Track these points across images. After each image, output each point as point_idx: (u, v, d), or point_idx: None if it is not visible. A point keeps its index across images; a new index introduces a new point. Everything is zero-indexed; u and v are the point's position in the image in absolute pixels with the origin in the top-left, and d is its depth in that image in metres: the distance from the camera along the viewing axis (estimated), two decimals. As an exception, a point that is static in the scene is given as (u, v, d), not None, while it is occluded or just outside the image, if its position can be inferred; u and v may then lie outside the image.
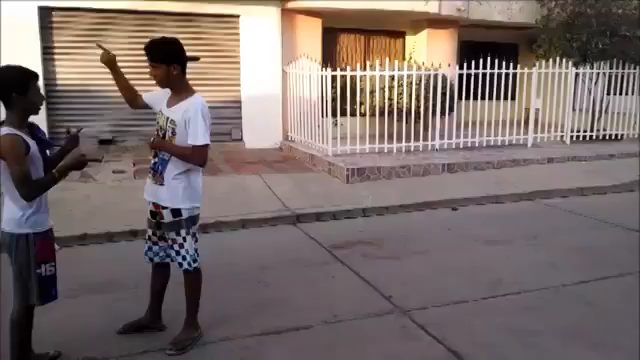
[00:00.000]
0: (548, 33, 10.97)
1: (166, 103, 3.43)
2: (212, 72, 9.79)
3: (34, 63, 8.72)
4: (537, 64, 10.10)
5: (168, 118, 3.35)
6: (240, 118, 10.13)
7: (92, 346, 3.46)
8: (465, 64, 9.32)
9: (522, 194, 7.43)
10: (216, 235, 5.93)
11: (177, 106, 3.34)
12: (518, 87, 10.04)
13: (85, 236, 5.61)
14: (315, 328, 3.76)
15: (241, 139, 10.14)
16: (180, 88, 3.38)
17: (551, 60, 10.15)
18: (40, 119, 8.82)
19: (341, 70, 8.67)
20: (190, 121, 3.27)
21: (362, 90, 8.98)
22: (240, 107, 10.09)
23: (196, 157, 3.33)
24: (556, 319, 3.85)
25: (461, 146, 9.44)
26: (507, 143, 9.81)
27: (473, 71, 9.34)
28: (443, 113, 9.25)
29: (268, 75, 10.01)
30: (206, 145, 3.32)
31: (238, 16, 9.82)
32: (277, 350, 3.47)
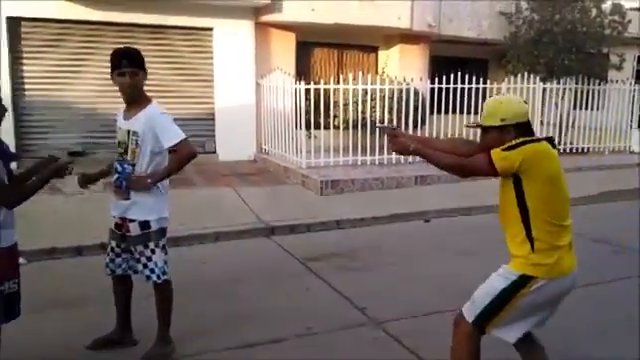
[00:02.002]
0: (516, 49, 11.27)
1: (122, 117, 3.40)
2: (185, 84, 9.74)
3: (2, 75, 8.55)
4: (506, 79, 10.35)
5: (129, 131, 3.31)
6: (213, 130, 10.08)
7: (60, 363, 3.38)
8: (437, 78, 9.49)
9: (492, 207, 7.54)
10: (189, 248, 5.88)
11: (135, 117, 3.32)
12: (488, 101, 10.25)
13: (54, 250, 5.49)
14: (289, 341, 3.74)
15: (215, 151, 10.08)
16: (141, 97, 3.36)
17: (519, 75, 10.42)
18: (8, 130, 8.69)
19: (315, 83, 8.73)
20: (158, 126, 3.25)
21: (336, 103, 9.06)
22: (214, 119, 10.05)
23: (186, 154, 3.30)
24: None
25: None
26: (478, 156, 9.95)
27: (444, 85, 9.51)
28: (415, 126, 9.38)
29: (242, 88, 10.01)
30: (186, 138, 3.29)
31: (211, 29, 9.81)
32: (250, 364, 3.45)
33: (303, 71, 10.57)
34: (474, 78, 9.75)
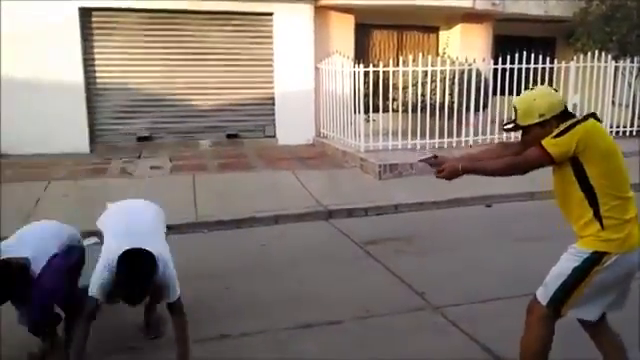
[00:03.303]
0: (586, 26, 10.69)
1: None
2: (245, 69, 9.91)
3: (75, 63, 9.01)
4: (575, 58, 9.87)
5: None
6: (273, 115, 10.22)
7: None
8: (500, 59, 9.19)
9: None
10: (249, 230, 6.03)
11: None
12: (555, 82, 9.79)
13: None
14: (347, 323, 3.80)
15: (274, 135, 10.23)
16: None
17: (589, 54, 9.91)
18: (81, 117, 9.17)
19: (374, 66, 8.66)
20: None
21: (395, 86, 8.95)
22: (273, 104, 10.19)
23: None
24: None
25: (496, 142, 9.31)
26: (543, 139, 9.60)
27: (508, 66, 9.19)
28: (477, 109, 9.14)
29: (301, 72, 10.07)
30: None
31: (271, 14, 9.90)
32: (309, 344, 3.53)
33: (362, 54, 10.49)
34: (540, 58, 9.35)
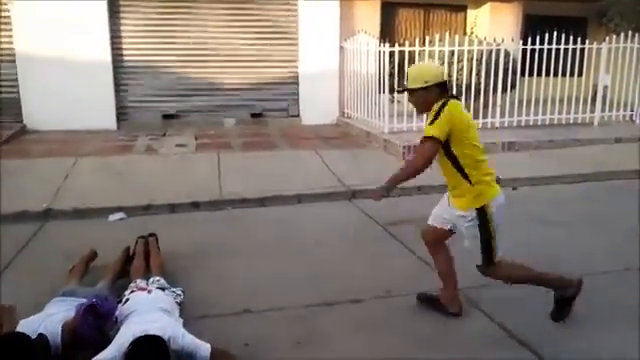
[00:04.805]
0: (620, 6, 10.37)
1: None
2: (270, 48, 9.90)
3: (103, 41, 9.10)
4: (607, 39, 9.59)
5: None
6: (297, 94, 10.21)
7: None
8: (529, 39, 8.98)
9: (586, 175, 7.15)
10: (272, 209, 6.08)
11: None
12: (586, 63, 9.56)
13: (150, 207, 5.88)
14: (367, 302, 3.83)
15: (298, 115, 10.23)
16: None
17: (622, 34, 9.61)
18: (109, 94, 9.30)
19: (399, 45, 8.55)
20: None
21: (420, 66, 8.84)
22: (297, 83, 10.17)
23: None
24: (621, 300, 3.76)
25: (523, 124, 9.16)
26: (572, 122, 9.42)
27: (538, 46, 8.98)
28: (505, 90, 8.98)
29: (326, 51, 10.01)
30: None
31: (297, -9, 9.84)
32: (329, 321, 3.57)
33: (387, 33, 10.37)
34: (571, 38, 9.11)
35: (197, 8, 9.49)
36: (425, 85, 3.22)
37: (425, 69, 3.37)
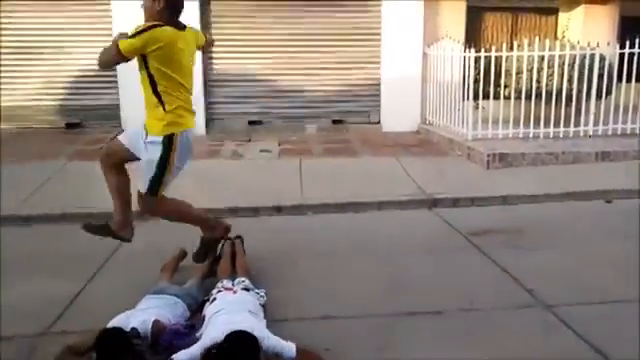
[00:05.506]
0: None
1: None
2: (352, 55, 9.96)
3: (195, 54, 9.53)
4: None
5: None
6: (379, 101, 10.19)
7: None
8: (627, 42, 8.44)
9: (691, 188, 6.62)
10: (352, 215, 6.11)
11: None
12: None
13: (235, 210, 6.10)
14: (450, 314, 3.76)
15: (378, 122, 10.21)
16: None
17: None
18: (198, 100, 9.72)
19: (485, 51, 8.32)
20: None
21: (507, 71, 8.54)
22: (379, 90, 10.14)
23: None
24: None
25: (619, 133, 8.60)
26: (675, 130, 8.73)
27: (637, 50, 8.42)
28: (599, 96, 8.49)
29: (408, 57, 9.92)
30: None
31: (380, -2, 9.85)
32: (411, 331, 3.53)
33: (473, 38, 10.11)
34: (676, 41, 8.46)
35: (281, 18, 9.75)
36: None
37: None
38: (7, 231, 5.45)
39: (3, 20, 9.42)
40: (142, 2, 3.44)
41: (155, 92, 3.36)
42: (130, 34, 3.25)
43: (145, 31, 3.24)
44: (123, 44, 3.22)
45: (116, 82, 9.51)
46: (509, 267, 4.50)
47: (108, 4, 9.35)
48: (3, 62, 9.50)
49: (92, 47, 9.49)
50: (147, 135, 3.50)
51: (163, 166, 3.40)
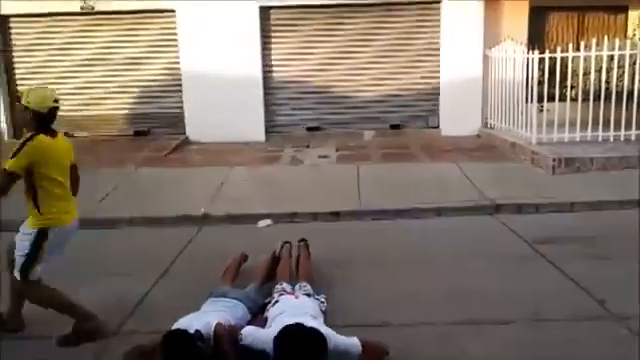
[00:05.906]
0: None
1: None
2: (411, 59, 9.89)
3: (254, 59, 9.76)
4: None
5: None
6: (437, 105, 10.06)
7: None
8: None
9: None
10: (411, 221, 6.04)
11: None
12: None
13: (295, 214, 6.17)
14: (516, 324, 3.65)
15: (437, 126, 10.07)
16: None
17: None
18: (258, 108, 9.95)
19: (550, 52, 8.05)
20: None
21: (574, 72, 8.22)
22: (438, 94, 10.01)
23: None
24: None
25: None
26: None
27: None
28: (673, 98, 8.02)
29: (469, 60, 9.74)
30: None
31: (439, 1, 9.72)
32: (476, 341, 3.46)
33: (536, 39, 9.79)
34: None
35: (341, 25, 9.81)
36: (26, 105, 3.42)
37: (33, 92, 3.50)
38: (85, 234, 5.74)
39: (75, 36, 10.00)
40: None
41: (34, 198, 3.45)
42: (11, 154, 3.36)
43: (23, 146, 3.36)
44: (8, 164, 3.33)
45: (180, 91, 9.87)
46: (578, 277, 4.32)
47: (173, 17, 9.72)
48: (80, 75, 10.07)
49: (158, 58, 9.97)
50: (27, 225, 3.55)
51: (33, 254, 3.45)
